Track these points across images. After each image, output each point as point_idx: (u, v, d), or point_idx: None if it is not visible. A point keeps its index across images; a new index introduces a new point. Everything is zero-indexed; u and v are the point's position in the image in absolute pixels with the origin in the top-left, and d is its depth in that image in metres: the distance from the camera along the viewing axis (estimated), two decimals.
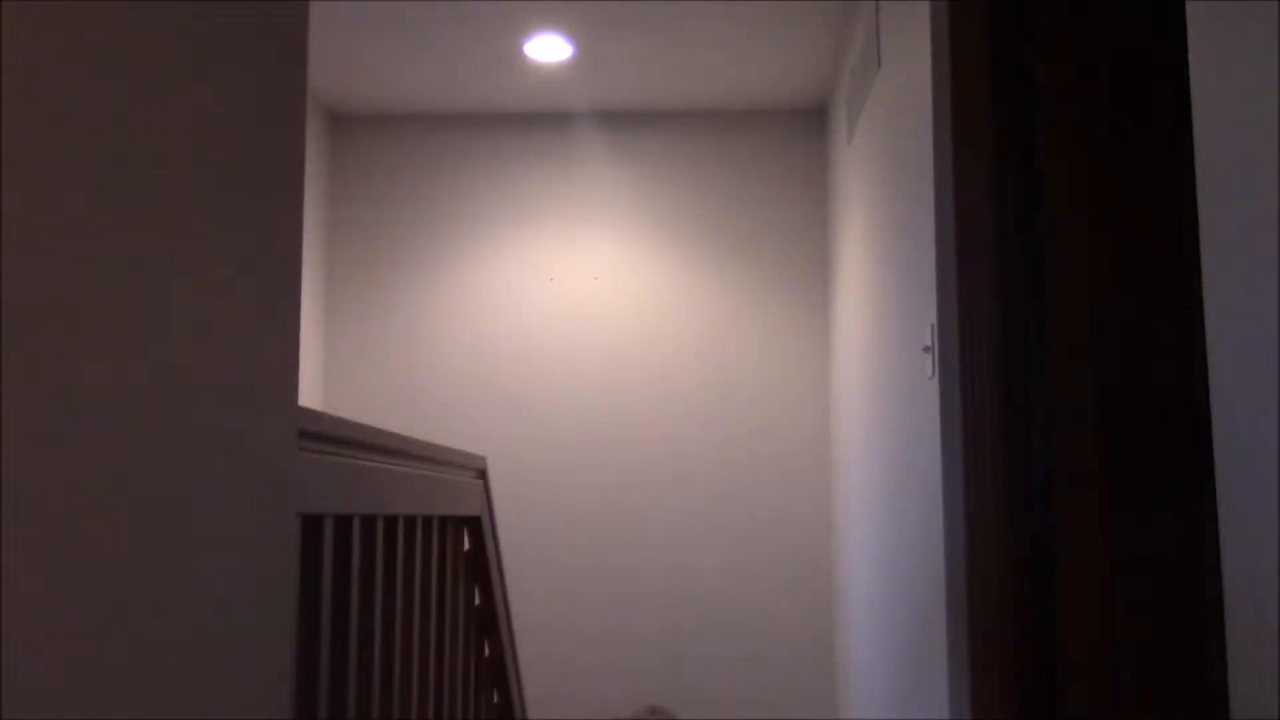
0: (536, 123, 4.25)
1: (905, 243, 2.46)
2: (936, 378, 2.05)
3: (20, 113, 0.56)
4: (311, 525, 1.10)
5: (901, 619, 2.56)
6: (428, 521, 1.57)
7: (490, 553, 2.02)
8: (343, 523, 1.19)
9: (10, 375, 0.54)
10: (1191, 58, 1.08)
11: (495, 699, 2.17)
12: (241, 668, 0.82)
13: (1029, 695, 1.82)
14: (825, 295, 4.11)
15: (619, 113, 4.23)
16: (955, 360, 1.95)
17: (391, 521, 1.36)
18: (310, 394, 3.99)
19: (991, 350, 1.89)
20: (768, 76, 3.90)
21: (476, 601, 2.02)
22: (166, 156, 0.72)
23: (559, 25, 3.49)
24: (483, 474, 2.02)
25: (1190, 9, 1.08)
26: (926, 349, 2.13)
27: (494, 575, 2.05)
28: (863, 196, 3.17)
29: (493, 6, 3.33)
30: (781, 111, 4.22)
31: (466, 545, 1.94)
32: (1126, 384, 1.83)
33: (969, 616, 1.87)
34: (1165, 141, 1.81)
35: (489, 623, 2.06)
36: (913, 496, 2.39)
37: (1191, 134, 1.08)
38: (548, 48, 3.64)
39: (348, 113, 4.26)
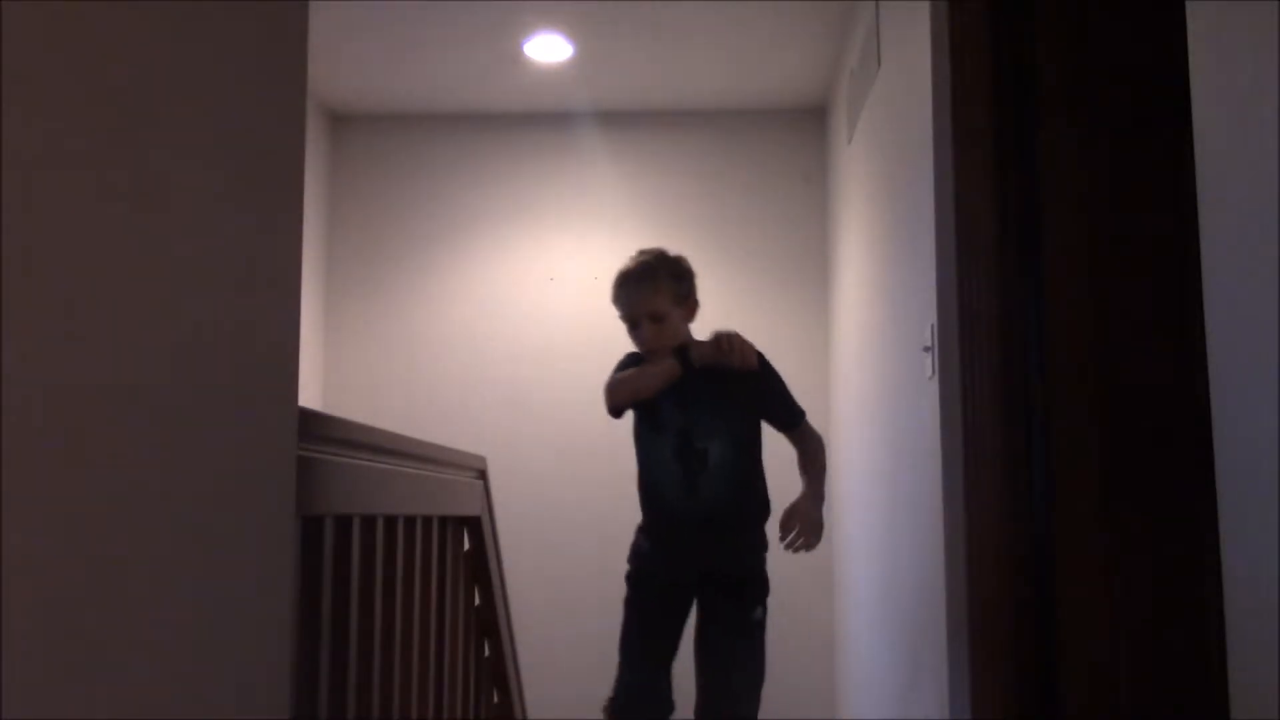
0: (536, 123, 4.25)
1: (905, 243, 2.46)
2: (936, 378, 2.05)
3: (20, 113, 0.56)
4: (311, 525, 1.10)
5: (901, 618, 2.56)
6: (428, 521, 1.57)
7: (490, 553, 2.02)
8: (343, 523, 1.18)
9: (10, 376, 0.54)
10: (1191, 58, 1.08)
11: (495, 699, 2.17)
12: (241, 668, 0.82)
13: (1029, 695, 1.82)
14: (825, 295, 4.11)
15: (619, 113, 4.23)
16: (955, 360, 1.94)
17: (391, 521, 1.36)
18: (310, 394, 3.98)
19: (991, 350, 1.89)
20: (768, 76, 3.90)
21: (476, 601, 2.02)
22: (166, 156, 0.72)
23: (559, 25, 3.49)
24: (483, 474, 2.02)
25: (1190, 9, 1.08)
26: (926, 349, 2.13)
27: (494, 575, 2.04)
28: (863, 196, 3.17)
29: (493, 6, 3.33)
30: (781, 111, 4.21)
31: (466, 545, 1.94)
32: (1126, 384, 1.83)
33: (969, 616, 1.87)
34: (1164, 141, 1.81)
35: (489, 623, 2.06)
36: (912, 497, 2.39)
37: (1191, 134, 1.08)
38: (548, 48, 3.64)
39: (348, 113, 4.26)
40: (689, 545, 2.28)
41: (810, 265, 4.15)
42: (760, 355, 2.30)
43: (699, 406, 2.24)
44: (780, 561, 3.66)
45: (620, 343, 2.42)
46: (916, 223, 2.29)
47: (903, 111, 2.46)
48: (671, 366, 2.21)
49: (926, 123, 2.14)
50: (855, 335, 3.35)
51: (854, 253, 3.38)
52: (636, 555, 2.38)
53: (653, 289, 2.27)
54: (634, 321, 2.29)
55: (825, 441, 3.97)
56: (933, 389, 2.08)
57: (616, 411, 2.32)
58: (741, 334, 2.22)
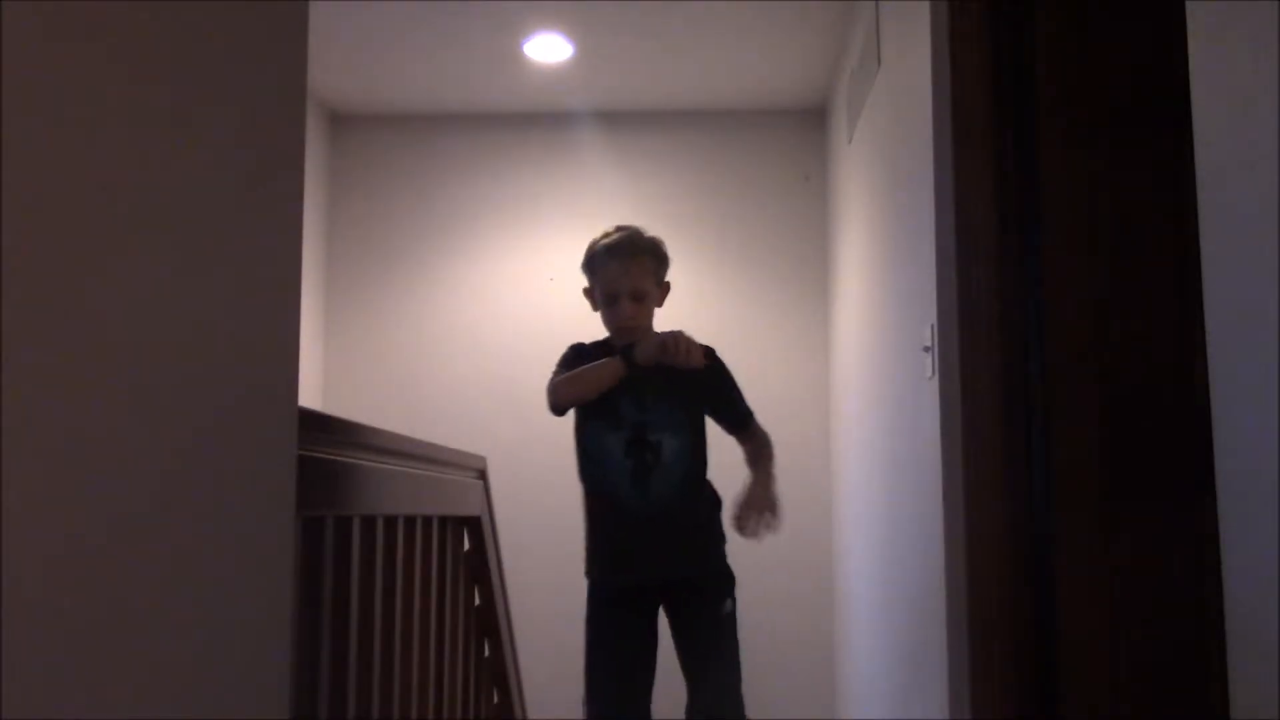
0: (536, 123, 4.25)
1: (905, 243, 2.46)
2: (936, 378, 2.05)
3: (21, 112, 0.56)
4: (311, 525, 1.10)
5: (901, 619, 2.56)
6: (428, 521, 1.57)
7: (490, 553, 2.02)
8: (343, 523, 1.19)
9: (10, 376, 0.54)
10: (1191, 58, 1.08)
11: (495, 699, 2.17)
12: (241, 668, 0.82)
13: (1029, 696, 1.82)
14: (825, 295, 4.11)
15: (619, 113, 4.23)
16: (955, 360, 1.94)
17: (391, 521, 1.36)
18: (310, 394, 3.98)
19: (991, 350, 1.89)
20: (768, 76, 3.90)
21: (476, 601, 2.02)
22: (166, 156, 0.72)
23: (559, 25, 3.49)
24: (483, 474, 2.02)
25: (1190, 9, 1.08)
26: (926, 349, 2.13)
27: (494, 575, 2.05)
28: (863, 196, 3.17)
29: (493, 6, 3.33)
30: (781, 111, 4.21)
31: (466, 545, 1.94)
32: (1126, 384, 1.83)
33: (969, 617, 1.87)
34: (1164, 141, 1.81)
35: (489, 623, 2.06)
36: (912, 497, 2.39)
37: (1191, 133, 1.08)
38: (548, 48, 3.64)
39: (348, 113, 4.26)
40: (645, 545, 2.19)
41: (810, 265, 4.15)
42: (713, 352, 2.24)
43: (653, 399, 2.17)
44: (780, 563, 3.67)
45: None
46: (916, 223, 2.29)
47: (903, 111, 2.46)
48: (617, 367, 2.13)
49: (926, 123, 2.14)
50: (855, 335, 3.35)
51: (854, 253, 3.38)
52: (594, 566, 2.26)
53: (639, 265, 2.20)
54: (614, 297, 2.20)
55: (825, 442, 3.99)
56: (933, 389, 2.08)
57: (559, 410, 2.25)
58: (689, 334, 2.14)
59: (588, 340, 2.35)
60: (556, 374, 2.26)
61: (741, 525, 2.15)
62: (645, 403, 2.18)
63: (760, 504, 2.17)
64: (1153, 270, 1.84)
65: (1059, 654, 1.80)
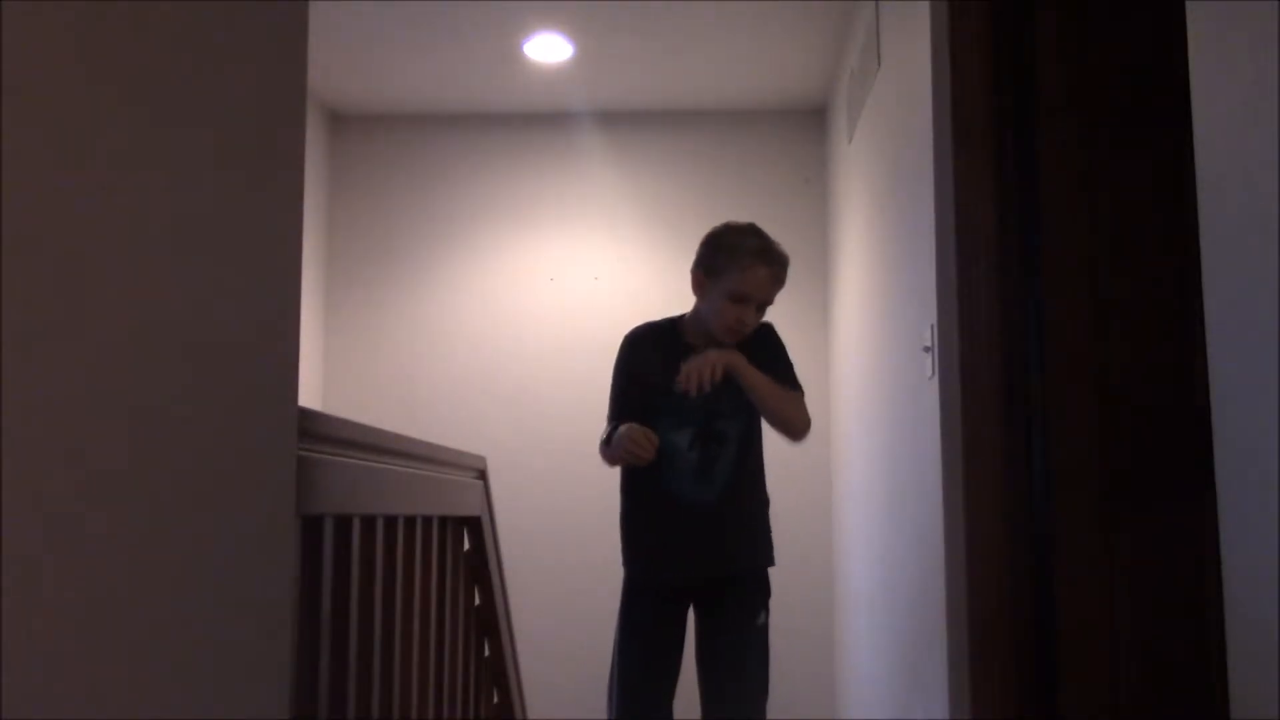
0: (536, 123, 4.25)
1: (905, 243, 2.46)
2: (936, 378, 2.05)
3: (20, 113, 0.56)
4: (311, 525, 1.10)
5: (901, 619, 2.56)
6: (428, 521, 1.57)
7: (490, 553, 2.02)
8: (343, 523, 1.18)
9: (10, 376, 0.54)
10: (1191, 58, 1.08)
11: (495, 699, 2.17)
12: (241, 667, 0.82)
13: (1029, 696, 1.82)
14: (825, 295, 4.11)
15: (619, 113, 4.23)
16: (955, 360, 1.94)
17: (391, 521, 1.36)
18: (310, 394, 3.98)
19: (991, 350, 1.89)
20: (768, 76, 3.90)
21: (476, 601, 2.02)
22: (166, 156, 0.72)
23: (559, 25, 3.49)
24: (483, 474, 2.02)
25: (1190, 9, 1.08)
26: (926, 349, 2.13)
27: (494, 575, 2.04)
28: (863, 196, 3.17)
29: (493, 6, 3.33)
30: (781, 111, 4.22)
31: (466, 545, 1.94)
32: (1126, 384, 1.83)
33: (969, 616, 1.87)
34: (1164, 141, 1.81)
35: (489, 623, 2.06)
36: (912, 497, 2.38)
37: (1191, 133, 1.08)
38: (548, 48, 3.64)
39: (348, 113, 4.26)
40: (696, 541, 2.14)
41: (810, 265, 4.15)
42: (770, 326, 2.19)
43: (717, 388, 2.04)
44: (780, 561, 3.62)
45: (618, 338, 2.39)
46: (916, 223, 2.29)
47: (903, 111, 2.46)
48: (647, 451, 2.02)
49: (926, 123, 2.14)
50: (855, 335, 3.35)
51: (854, 253, 3.38)
52: (637, 557, 2.25)
53: (777, 279, 2.10)
54: (744, 299, 2.06)
55: (825, 442, 3.98)
56: (933, 389, 2.08)
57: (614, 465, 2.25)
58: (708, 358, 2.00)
59: (641, 322, 2.26)
60: (616, 378, 2.23)
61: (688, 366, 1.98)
62: (709, 391, 2.05)
63: (716, 354, 1.98)
64: (1153, 270, 1.84)
65: (1059, 654, 1.80)
